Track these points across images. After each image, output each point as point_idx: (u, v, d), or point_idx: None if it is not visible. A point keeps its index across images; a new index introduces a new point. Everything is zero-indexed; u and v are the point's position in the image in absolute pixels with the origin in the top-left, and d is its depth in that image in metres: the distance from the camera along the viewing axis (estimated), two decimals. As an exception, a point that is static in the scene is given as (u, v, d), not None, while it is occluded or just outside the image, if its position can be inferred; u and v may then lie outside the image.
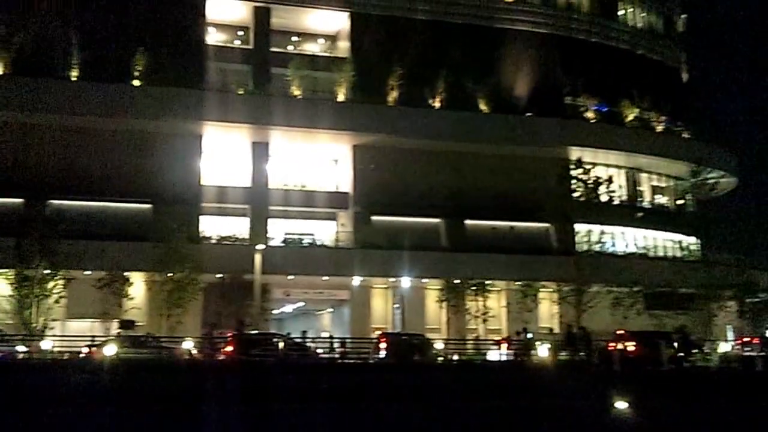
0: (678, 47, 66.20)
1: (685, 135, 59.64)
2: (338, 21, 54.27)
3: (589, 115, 55.79)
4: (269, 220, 48.97)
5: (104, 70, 46.21)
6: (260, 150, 49.82)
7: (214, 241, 47.00)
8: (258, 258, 42.02)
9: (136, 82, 47.16)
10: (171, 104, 46.95)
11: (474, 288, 46.69)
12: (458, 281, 46.95)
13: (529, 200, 48.23)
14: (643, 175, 58.44)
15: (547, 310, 50.50)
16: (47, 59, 46.11)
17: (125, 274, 41.65)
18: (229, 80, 51.42)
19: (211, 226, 48.03)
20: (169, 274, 40.97)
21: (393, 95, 51.22)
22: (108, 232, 43.33)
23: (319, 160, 52.06)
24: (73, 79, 46.52)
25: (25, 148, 45.55)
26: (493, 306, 48.41)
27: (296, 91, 49.99)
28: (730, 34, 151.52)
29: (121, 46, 47.36)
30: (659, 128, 58.25)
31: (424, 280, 48.40)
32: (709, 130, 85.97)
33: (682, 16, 67.41)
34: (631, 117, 56.80)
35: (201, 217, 47.44)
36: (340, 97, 50.95)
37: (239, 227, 48.64)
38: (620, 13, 62.26)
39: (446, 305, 47.69)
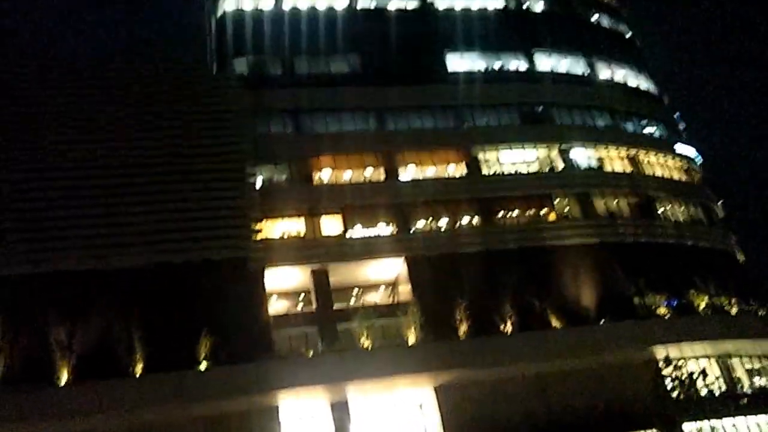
0: (724, 231, 67.30)
1: (761, 312, 58.44)
2: (395, 267, 55.47)
3: (662, 311, 55.13)
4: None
5: (168, 358, 45.05)
6: (340, 410, 47.80)
7: None
8: None
9: (202, 365, 46.04)
10: (242, 381, 45.21)
11: None
12: None
13: (626, 408, 46.23)
14: (735, 360, 56.29)
15: None
16: (109, 359, 44.97)
17: None
18: (296, 344, 51.15)
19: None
20: None
21: (463, 328, 50.73)
22: None
23: (402, 407, 50.13)
24: (137, 374, 45.01)
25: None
26: None
27: (366, 343, 49.42)
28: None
29: (185, 333, 46.71)
30: (733, 311, 57.29)
31: None
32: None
33: (719, 202, 69.35)
34: (702, 305, 56.20)
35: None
36: (411, 340, 50.29)
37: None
38: (660, 211, 64.08)
39: None
